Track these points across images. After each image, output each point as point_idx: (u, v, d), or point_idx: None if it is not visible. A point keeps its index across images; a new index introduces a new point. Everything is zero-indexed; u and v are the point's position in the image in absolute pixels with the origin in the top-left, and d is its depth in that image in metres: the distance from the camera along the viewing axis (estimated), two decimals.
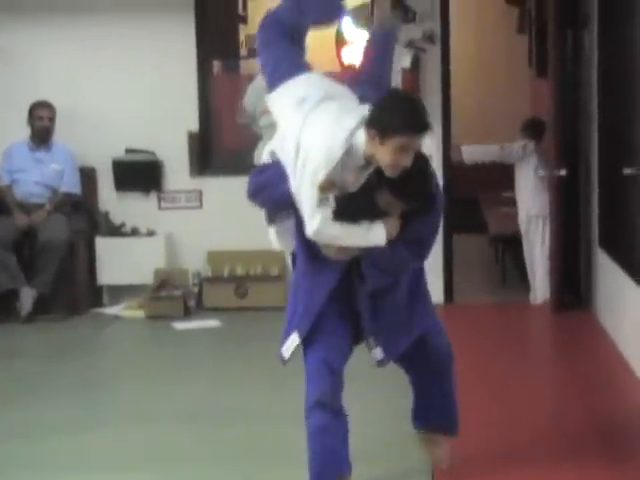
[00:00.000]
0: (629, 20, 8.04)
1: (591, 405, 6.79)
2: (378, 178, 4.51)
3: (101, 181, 10.43)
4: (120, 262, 10.18)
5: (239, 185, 5.52)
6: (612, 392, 7.18)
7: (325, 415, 4.83)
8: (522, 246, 10.65)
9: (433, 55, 10.04)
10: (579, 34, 9.45)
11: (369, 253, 4.68)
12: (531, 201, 10.16)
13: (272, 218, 5.03)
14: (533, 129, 10.65)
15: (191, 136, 10.31)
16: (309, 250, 4.79)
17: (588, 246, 9.58)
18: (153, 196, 10.44)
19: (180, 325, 9.48)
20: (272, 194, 4.88)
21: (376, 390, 6.76)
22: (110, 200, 10.43)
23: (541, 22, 10.61)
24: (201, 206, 10.25)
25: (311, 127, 4.59)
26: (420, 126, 4.48)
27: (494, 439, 6.07)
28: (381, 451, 5.82)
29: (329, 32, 13.32)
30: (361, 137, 4.50)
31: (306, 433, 4.84)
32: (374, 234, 4.62)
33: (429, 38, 9.99)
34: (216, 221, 9.87)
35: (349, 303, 4.88)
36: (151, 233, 10.32)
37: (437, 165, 9.82)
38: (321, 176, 4.41)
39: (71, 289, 9.99)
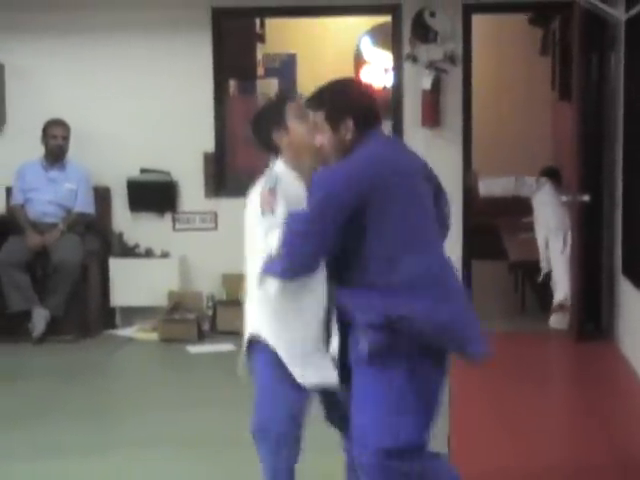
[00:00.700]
0: None
1: (612, 438, 6.73)
2: None
3: (115, 201, 10.45)
4: (133, 283, 10.20)
5: None
6: (634, 425, 7.10)
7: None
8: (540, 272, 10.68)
9: (454, 76, 10.07)
10: (605, 57, 9.42)
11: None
12: (550, 215, 10.24)
13: None
14: (550, 176, 10.75)
15: (206, 157, 10.33)
16: None
17: (611, 273, 9.53)
18: (168, 217, 10.45)
19: (194, 349, 9.47)
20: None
21: None
22: (124, 220, 10.45)
23: (565, 44, 10.61)
24: (216, 227, 10.26)
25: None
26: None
27: (512, 471, 5.99)
28: None
29: (348, 52, 13.42)
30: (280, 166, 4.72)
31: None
32: None
33: (450, 59, 10.04)
34: (231, 243, 9.68)
35: None
36: (165, 254, 10.32)
37: (456, 189, 9.88)
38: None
39: (84, 310, 9.98)
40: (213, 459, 6.28)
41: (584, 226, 9.48)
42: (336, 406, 4.73)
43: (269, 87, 10.73)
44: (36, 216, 9.94)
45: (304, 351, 4.52)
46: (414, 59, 10.06)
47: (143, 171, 10.34)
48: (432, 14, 9.99)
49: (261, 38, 12.25)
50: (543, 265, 10.49)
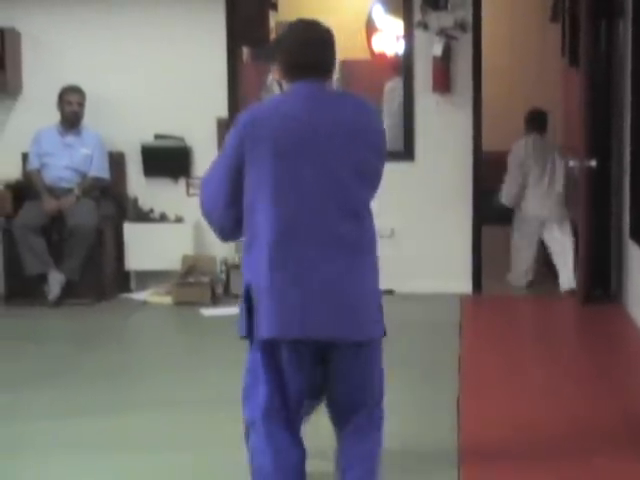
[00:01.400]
0: None
1: (621, 399, 6.77)
2: None
3: (130, 166, 10.51)
4: (148, 248, 10.26)
5: None
6: (634, 368, 7.34)
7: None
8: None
9: (465, 43, 10.10)
10: (613, 24, 9.46)
11: None
12: (539, 205, 10.45)
13: None
14: (535, 120, 10.84)
15: (220, 122, 10.36)
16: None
17: (619, 238, 9.61)
18: (182, 182, 10.52)
19: (207, 312, 9.54)
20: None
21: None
22: (139, 186, 10.52)
23: (575, 11, 10.62)
24: None
25: None
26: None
27: (521, 432, 6.02)
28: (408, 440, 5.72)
29: (360, 20, 13.46)
30: None
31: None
32: None
33: (461, 26, 10.06)
34: None
35: None
36: (179, 219, 10.38)
37: (466, 154, 9.97)
38: None
39: (99, 274, 10.04)
40: (226, 419, 6.32)
41: (592, 191, 9.51)
42: None
43: None
44: (52, 181, 10.01)
45: None
46: (425, 26, 10.08)
47: (157, 137, 10.39)
48: None
49: (274, 6, 12.24)
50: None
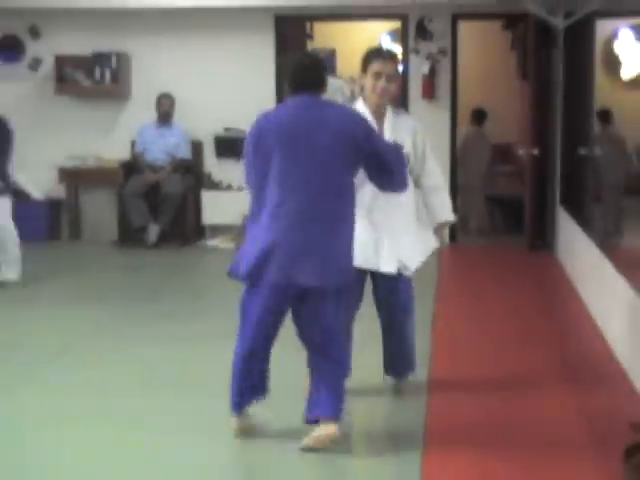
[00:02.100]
0: (584, 43, 8.29)
1: (550, 314, 7.00)
2: None
3: (206, 151, 10.56)
4: (218, 208, 10.31)
5: None
6: (563, 307, 7.34)
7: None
8: (508, 205, 10.98)
9: (445, 65, 10.23)
10: (550, 52, 9.56)
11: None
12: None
13: None
14: (478, 116, 11.13)
15: None
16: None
17: (553, 204, 9.69)
18: (242, 162, 10.57)
19: None
20: None
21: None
22: (212, 164, 10.57)
23: (526, 43, 10.72)
24: None
25: None
26: (384, 54, 4.76)
27: (481, 359, 5.89)
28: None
29: (365, 43, 13.52)
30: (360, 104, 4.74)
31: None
32: None
33: (442, 52, 10.22)
34: None
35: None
36: (240, 188, 10.21)
37: (444, 145, 10.13)
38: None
39: (183, 227, 10.18)
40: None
41: (535, 171, 9.66)
42: None
43: None
44: (151, 161, 10.14)
45: None
46: (417, 52, 10.22)
47: (226, 129, 10.43)
48: (430, 20, 10.15)
49: (310, 37, 12.28)
50: None
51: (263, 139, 4.18)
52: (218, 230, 10.40)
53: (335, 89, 9.98)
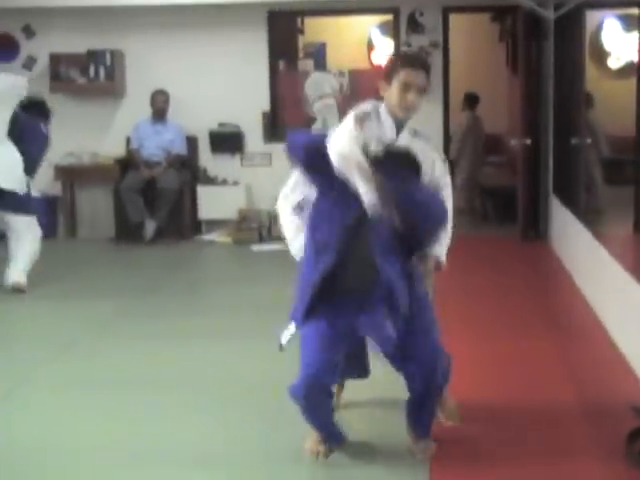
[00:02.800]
0: (574, 34, 8.26)
1: (545, 299, 6.99)
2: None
3: (201, 146, 10.52)
4: (214, 203, 10.28)
5: None
6: (557, 289, 7.38)
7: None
8: (499, 196, 10.97)
9: (436, 57, 10.18)
10: (540, 44, 9.54)
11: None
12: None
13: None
14: (470, 100, 11.15)
15: (264, 114, 10.44)
16: (314, 244, 3.75)
17: (546, 194, 9.68)
18: (237, 157, 10.54)
19: (256, 248, 9.62)
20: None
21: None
22: (207, 159, 10.53)
23: (515, 35, 10.72)
24: (271, 164, 10.32)
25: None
26: (415, 62, 3.85)
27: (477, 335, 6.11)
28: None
29: (362, 40, 13.49)
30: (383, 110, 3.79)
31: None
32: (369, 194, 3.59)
33: (434, 45, 10.19)
34: (281, 175, 9.91)
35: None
36: (235, 183, 10.43)
37: (436, 136, 10.08)
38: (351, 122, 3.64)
39: (180, 222, 10.12)
40: (270, 317, 6.47)
41: (528, 161, 9.61)
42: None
43: (307, 65, 10.83)
44: (147, 156, 10.07)
45: None
46: (409, 45, 10.14)
47: (220, 125, 10.41)
48: (421, 14, 10.09)
49: (301, 31, 12.27)
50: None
51: None
52: (214, 225, 10.36)
53: (323, 81, 9.97)
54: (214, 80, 10.38)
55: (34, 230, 7.73)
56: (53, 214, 10.33)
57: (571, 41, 8.42)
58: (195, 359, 5.65)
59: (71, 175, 10.43)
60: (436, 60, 10.14)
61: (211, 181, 10.48)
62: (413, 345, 3.76)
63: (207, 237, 10.26)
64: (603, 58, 12.48)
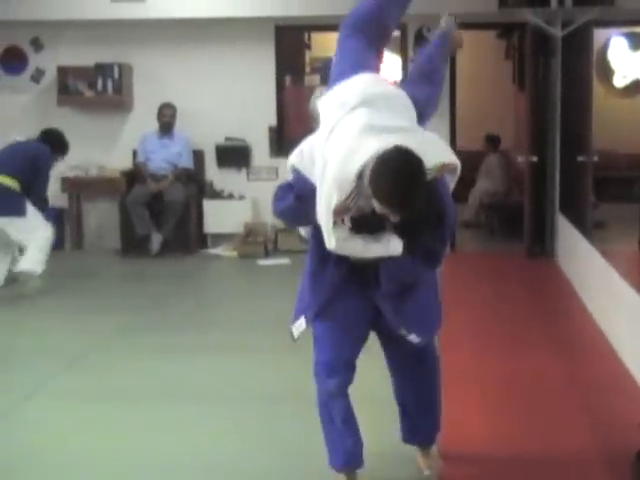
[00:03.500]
0: (581, 52, 8.26)
1: (550, 316, 6.97)
2: None
3: (208, 160, 10.52)
4: (220, 217, 10.26)
5: None
6: (564, 307, 7.37)
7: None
8: (505, 210, 10.97)
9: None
10: (548, 61, 9.51)
11: (384, 264, 3.49)
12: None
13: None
14: (493, 141, 11.18)
15: (270, 129, 10.42)
16: (321, 244, 3.53)
17: (552, 211, 9.65)
18: (243, 171, 10.53)
19: (262, 262, 9.59)
20: (296, 217, 3.82)
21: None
22: (214, 173, 10.52)
23: (521, 52, 10.71)
24: (277, 178, 10.12)
25: (333, 145, 3.44)
26: (398, 207, 3.24)
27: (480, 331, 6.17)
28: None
29: None
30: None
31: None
32: (393, 246, 3.43)
33: None
34: None
35: (363, 294, 3.62)
36: (242, 197, 10.42)
37: None
38: (334, 202, 3.30)
39: (186, 235, 10.09)
40: (276, 330, 6.51)
41: (534, 178, 9.58)
42: None
43: (314, 80, 10.83)
44: (153, 170, 10.05)
45: None
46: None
47: (227, 139, 10.41)
48: (428, 29, 10.04)
49: (308, 46, 12.30)
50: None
51: None
52: (220, 239, 10.34)
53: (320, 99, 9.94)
54: (221, 94, 10.38)
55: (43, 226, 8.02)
56: (60, 226, 10.26)
57: (579, 59, 8.45)
58: (201, 373, 5.64)
59: (78, 187, 10.42)
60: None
61: (217, 195, 10.46)
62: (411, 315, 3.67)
63: (213, 251, 10.24)
64: (609, 76, 12.50)
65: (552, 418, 4.76)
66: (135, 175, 10.23)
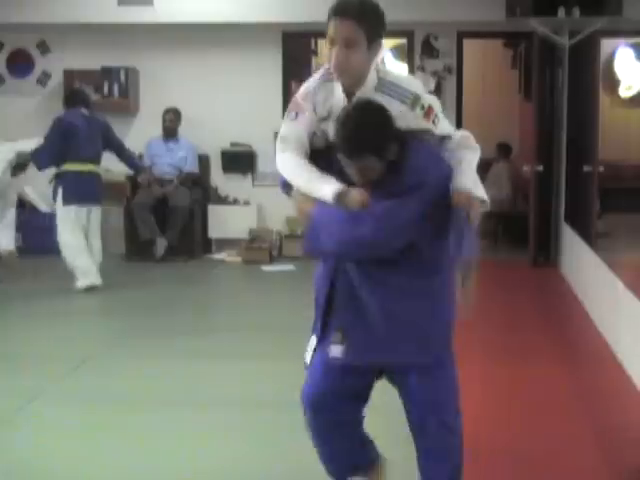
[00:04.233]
0: (588, 62, 8.28)
1: (555, 325, 7.00)
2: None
3: (213, 165, 10.55)
4: (225, 222, 10.31)
5: None
6: (568, 316, 7.38)
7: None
8: (510, 219, 10.97)
9: (450, 82, 10.22)
10: (554, 71, 9.55)
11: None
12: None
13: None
14: (505, 150, 11.18)
15: (276, 135, 10.33)
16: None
17: (557, 220, 9.69)
18: (249, 176, 10.57)
19: (266, 268, 9.61)
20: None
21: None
22: (219, 178, 10.56)
23: (528, 61, 10.72)
24: None
25: None
26: (340, 10, 2.99)
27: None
28: None
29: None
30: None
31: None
32: (326, 187, 3.04)
33: (448, 70, 10.21)
34: None
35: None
36: (247, 202, 10.46)
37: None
38: (299, 98, 3.19)
39: (190, 240, 10.11)
40: (276, 336, 6.51)
41: (539, 187, 9.61)
42: None
43: None
44: (159, 174, 10.06)
45: None
46: (423, 69, 10.19)
47: (232, 144, 10.44)
48: (435, 38, 10.14)
49: (315, 52, 12.31)
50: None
51: None
52: (224, 244, 10.36)
53: None
54: (227, 99, 10.41)
55: None
56: None
57: (585, 68, 8.46)
58: (203, 378, 5.64)
59: None
60: (450, 84, 10.17)
61: (222, 200, 10.50)
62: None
63: (217, 256, 10.26)
64: (614, 86, 12.51)
65: (555, 426, 4.76)
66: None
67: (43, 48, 10.58)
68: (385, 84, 3.11)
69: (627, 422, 4.83)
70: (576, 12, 8.49)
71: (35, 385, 5.48)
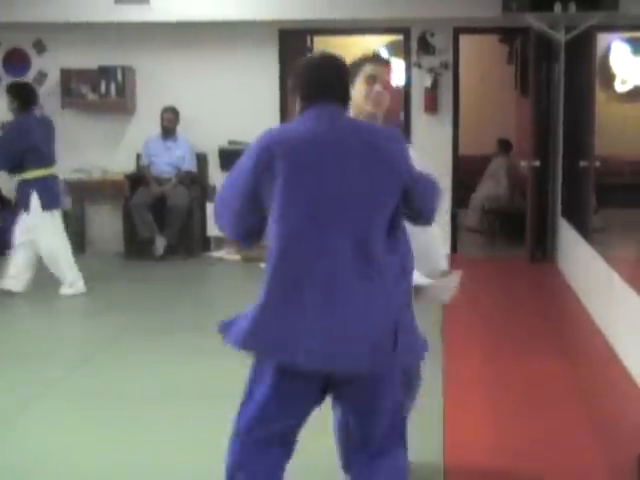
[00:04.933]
0: (584, 57, 8.31)
1: (552, 320, 7.06)
2: None
3: (211, 163, 10.54)
4: None
5: None
6: (566, 311, 7.46)
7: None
8: (507, 215, 11.03)
9: (447, 78, 10.23)
10: (551, 66, 9.58)
11: None
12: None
13: None
14: (505, 146, 11.23)
15: None
16: None
17: (554, 216, 9.75)
18: None
19: (265, 266, 9.63)
20: None
21: None
22: (217, 176, 10.46)
23: (524, 56, 10.75)
24: None
25: None
26: (379, 58, 3.79)
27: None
28: None
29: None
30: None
31: None
32: None
33: (444, 66, 10.21)
34: None
35: None
36: None
37: (446, 158, 10.14)
38: None
39: (189, 238, 10.15)
40: None
41: (536, 183, 9.65)
42: None
43: None
44: (157, 173, 10.11)
45: None
46: (419, 65, 10.21)
47: (230, 142, 10.38)
48: (432, 34, 10.14)
49: (311, 50, 12.32)
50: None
51: (270, 164, 3.00)
52: (223, 242, 10.33)
53: None
54: (224, 97, 10.43)
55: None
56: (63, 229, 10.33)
57: (582, 63, 8.49)
58: (204, 375, 5.69)
59: (81, 191, 10.47)
60: (447, 80, 10.20)
61: None
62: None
63: (216, 254, 10.27)
64: (610, 81, 12.55)
65: (554, 422, 4.81)
66: (138, 178, 10.28)
67: (39, 47, 10.59)
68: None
69: (625, 413, 4.89)
70: (572, 7, 8.53)
71: (36, 383, 5.53)
